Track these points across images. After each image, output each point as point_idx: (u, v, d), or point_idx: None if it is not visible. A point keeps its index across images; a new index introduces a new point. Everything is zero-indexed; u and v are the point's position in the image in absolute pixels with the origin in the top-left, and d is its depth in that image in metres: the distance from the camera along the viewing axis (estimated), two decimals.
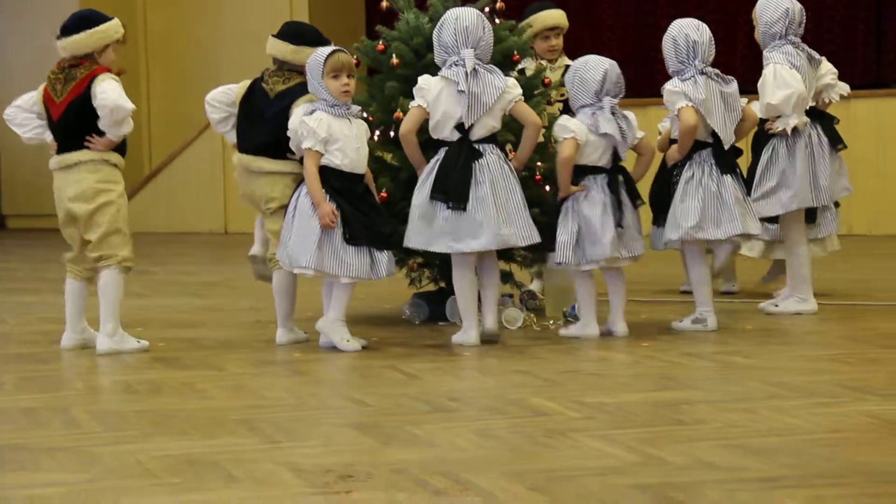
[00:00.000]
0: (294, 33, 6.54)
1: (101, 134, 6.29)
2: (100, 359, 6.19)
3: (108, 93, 6.20)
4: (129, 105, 6.23)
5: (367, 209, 6.17)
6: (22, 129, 6.49)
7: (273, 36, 6.57)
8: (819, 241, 7.56)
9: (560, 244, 6.38)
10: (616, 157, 6.44)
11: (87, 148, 6.30)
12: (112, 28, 6.37)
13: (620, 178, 6.45)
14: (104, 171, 6.32)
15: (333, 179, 6.15)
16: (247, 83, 6.57)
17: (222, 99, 6.60)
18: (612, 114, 6.41)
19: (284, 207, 6.30)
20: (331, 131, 6.13)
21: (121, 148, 6.38)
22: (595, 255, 6.36)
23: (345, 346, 6.18)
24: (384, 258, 6.16)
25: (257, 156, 6.44)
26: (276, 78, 6.49)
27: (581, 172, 6.43)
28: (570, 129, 6.38)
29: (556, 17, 7.91)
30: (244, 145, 6.51)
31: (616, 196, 6.38)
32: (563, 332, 6.55)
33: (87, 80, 6.26)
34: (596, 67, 6.45)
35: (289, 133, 6.29)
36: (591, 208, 6.37)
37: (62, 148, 6.36)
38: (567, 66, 7.16)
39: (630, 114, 6.52)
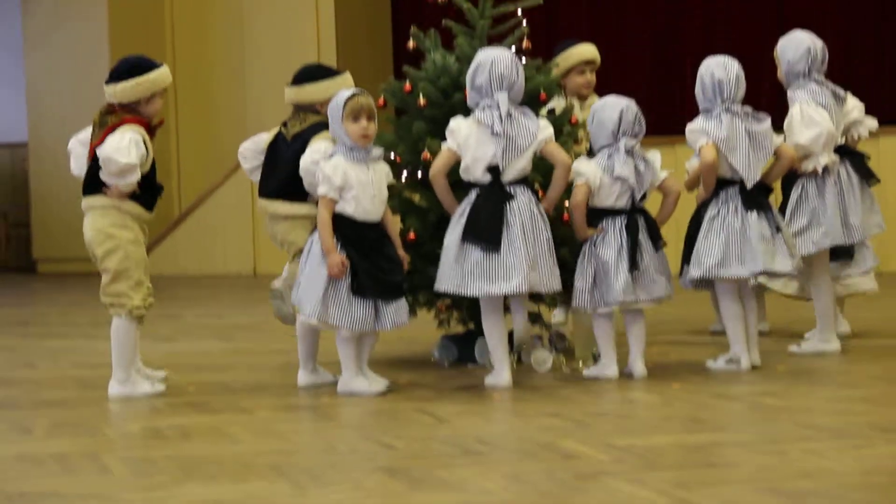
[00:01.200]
0: (297, 75, 6.61)
1: None
2: (129, 404, 6.20)
3: (108, 143, 6.21)
4: (123, 160, 6.17)
5: (378, 258, 6.13)
6: (74, 164, 6.56)
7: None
8: (866, 273, 7.48)
9: (577, 289, 6.40)
10: (635, 198, 6.43)
11: (104, 193, 6.33)
12: (161, 77, 6.37)
13: (641, 219, 6.44)
14: (113, 216, 6.32)
15: (346, 228, 6.13)
16: (275, 130, 6.62)
17: (252, 148, 6.67)
18: (631, 155, 6.41)
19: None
20: (347, 178, 6.10)
21: (145, 200, 6.36)
22: (609, 298, 6.36)
23: (370, 391, 6.17)
24: (391, 309, 6.11)
25: (274, 199, 6.46)
26: (294, 121, 6.55)
27: (599, 215, 6.43)
28: (581, 173, 6.39)
29: (592, 51, 7.95)
30: (263, 189, 6.56)
31: (633, 238, 6.36)
32: (586, 372, 6.54)
33: (112, 129, 6.30)
34: (613, 107, 6.47)
35: (301, 172, 6.29)
36: (606, 251, 6.37)
37: (84, 190, 6.41)
38: None
39: (653, 155, 6.51)
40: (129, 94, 6.34)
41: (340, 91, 6.24)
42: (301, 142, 6.42)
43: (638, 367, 6.45)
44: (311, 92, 6.53)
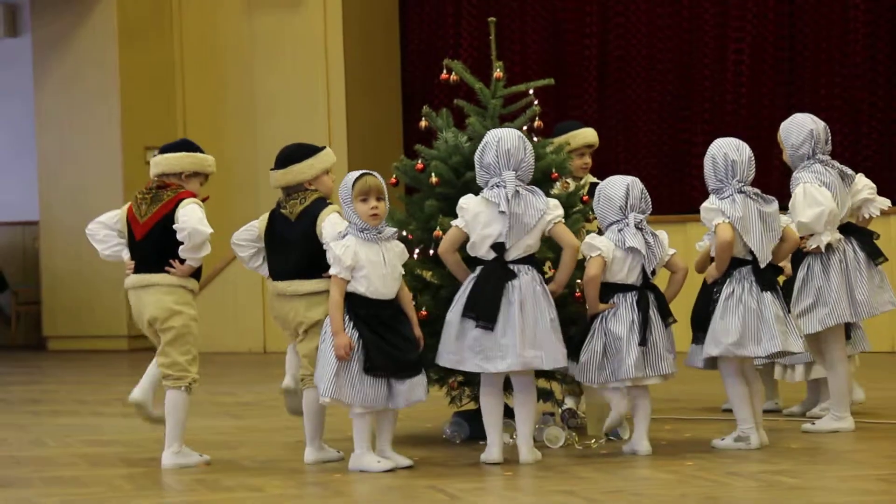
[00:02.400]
0: (280, 158, 6.62)
1: (181, 259, 6.45)
2: (141, 481, 6.17)
3: (189, 216, 6.41)
4: (207, 230, 6.41)
5: (391, 336, 6.14)
6: (102, 246, 6.68)
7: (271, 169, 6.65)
8: (851, 357, 7.50)
9: (582, 364, 6.40)
10: (646, 274, 6.44)
11: (167, 272, 6.44)
12: (207, 160, 6.68)
13: (651, 295, 6.44)
14: (179, 294, 6.50)
15: (358, 307, 6.15)
16: (266, 216, 6.62)
17: (246, 237, 6.67)
18: (640, 229, 6.43)
19: (320, 326, 6.31)
20: (357, 258, 6.14)
21: (196, 273, 6.55)
22: (620, 373, 6.35)
23: (379, 468, 6.14)
24: (403, 388, 6.12)
25: (292, 280, 6.45)
26: (293, 201, 6.52)
27: (610, 290, 6.44)
28: (596, 247, 6.41)
29: (593, 135, 8.00)
30: (277, 273, 6.54)
31: (644, 314, 6.36)
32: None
33: (174, 203, 6.48)
34: (618, 184, 6.53)
35: (325, 247, 6.31)
36: (617, 326, 6.38)
37: (140, 268, 6.52)
38: (592, 184, 7.21)
39: (661, 232, 6.54)
40: (174, 164, 6.57)
41: (349, 173, 6.27)
42: (309, 219, 6.43)
43: (643, 444, 6.43)
44: (298, 172, 6.55)
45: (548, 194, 6.82)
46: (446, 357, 6.27)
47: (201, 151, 6.68)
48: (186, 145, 6.68)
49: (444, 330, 6.30)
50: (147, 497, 5.81)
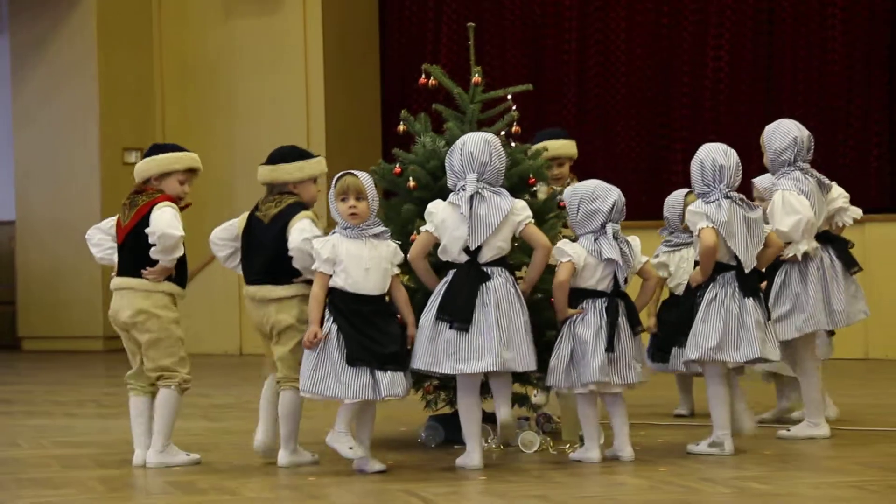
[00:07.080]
0: (272, 155, 6.66)
1: (155, 262, 6.45)
2: (114, 483, 6.15)
3: (158, 220, 6.41)
4: (177, 233, 6.40)
5: (368, 330, 6.16)
6: (96, 249, 6.75)
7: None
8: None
9: (551, 368, 6.41)
10: (617, 282, 6.45)
11: (143, 277, 6.46)
12: (172, 159, 6.62)
13: (622, 304, 6.45)
14: (156, 298, 6.51)
15: (338, 300, 6.18)
16: (245, 215, 6.63)
17: (224, 236, 6.69)
18: (616, 239, 6.44)
19: (292, 329, 6.34)
20: (336, 252, 6.17)
21: (180, 279, 6.56)
22: (585, 377, 6.36)
23: (348, 454, 6.14)
24: (385, 378, 6.13)
25: (262, 284, 6.47)
26: (269, 203, 6.56)
27: (580, 295, 6.44)
28: (566, 252, 6.41)
29: (555, 147, 7.95)
30: (249, 276, 6.57)
31: (612, 321, 6.37)
32: (571, 455, 6.53)
33: (148, 208, 6.49)
34: (605, 198, 6.46)
35: (290, 252, 6.33)
36: (585, 331, 6.38)
37: (121, 271, 6.56)
38: None
39: (634, 238, 6.54)
40: (141, 170, 6.60)
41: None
42: (281, 223, 6.45)
43: (626, 450, 6.43)
44: (284, 172, 6.58)
45: (528, 196, 6.83)
46: (420, 360, 6.28)
47: (176, 150, 6.65)
48: (154, 149, 6.67)
49: (418, 334, 6.31)
50: (119, 499, 5.80)
